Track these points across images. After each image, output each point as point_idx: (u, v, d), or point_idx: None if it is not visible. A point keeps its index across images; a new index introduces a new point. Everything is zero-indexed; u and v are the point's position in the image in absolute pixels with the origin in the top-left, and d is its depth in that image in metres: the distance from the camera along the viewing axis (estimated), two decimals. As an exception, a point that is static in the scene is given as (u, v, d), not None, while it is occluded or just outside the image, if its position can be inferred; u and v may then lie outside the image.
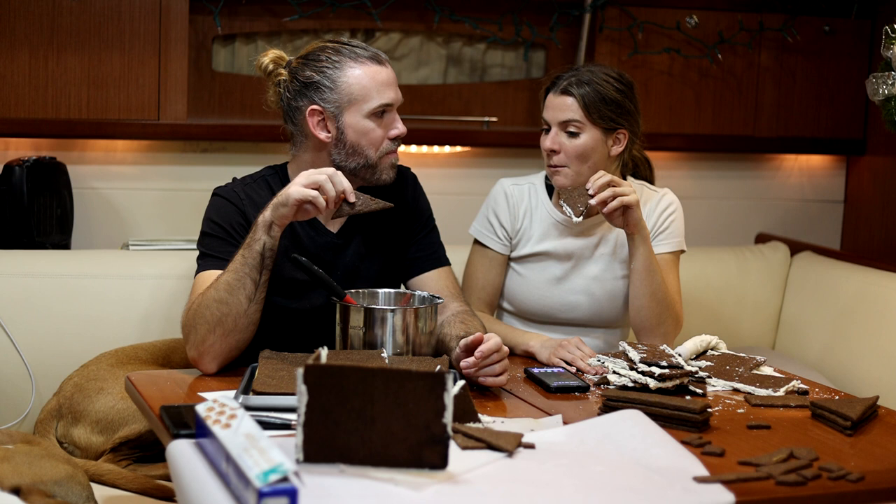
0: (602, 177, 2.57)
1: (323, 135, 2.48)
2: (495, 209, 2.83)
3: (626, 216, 2.58)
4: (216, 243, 2.46)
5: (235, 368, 2.38)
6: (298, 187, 2.28)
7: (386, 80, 2.47)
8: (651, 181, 2.94)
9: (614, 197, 2.55)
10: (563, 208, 2.63)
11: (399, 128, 2.50)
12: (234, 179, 2.57)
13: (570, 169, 2.70)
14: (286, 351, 2.42)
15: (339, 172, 2.32)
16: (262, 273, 2.31)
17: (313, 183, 2.28)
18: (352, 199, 2.32)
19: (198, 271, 2.46)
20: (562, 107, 2.69)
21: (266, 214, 2.32)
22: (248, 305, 2.30)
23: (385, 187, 2.54)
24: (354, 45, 2.49)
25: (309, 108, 2.47)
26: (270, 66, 2.53)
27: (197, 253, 2.50)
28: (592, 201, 2.56)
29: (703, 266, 3.59)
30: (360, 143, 2.47)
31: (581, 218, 2.60)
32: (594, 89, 2.67)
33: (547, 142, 2.71)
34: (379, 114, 2.46)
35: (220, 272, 2.37)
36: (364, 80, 2.45)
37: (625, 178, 2.84)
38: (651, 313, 2.66)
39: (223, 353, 2.33)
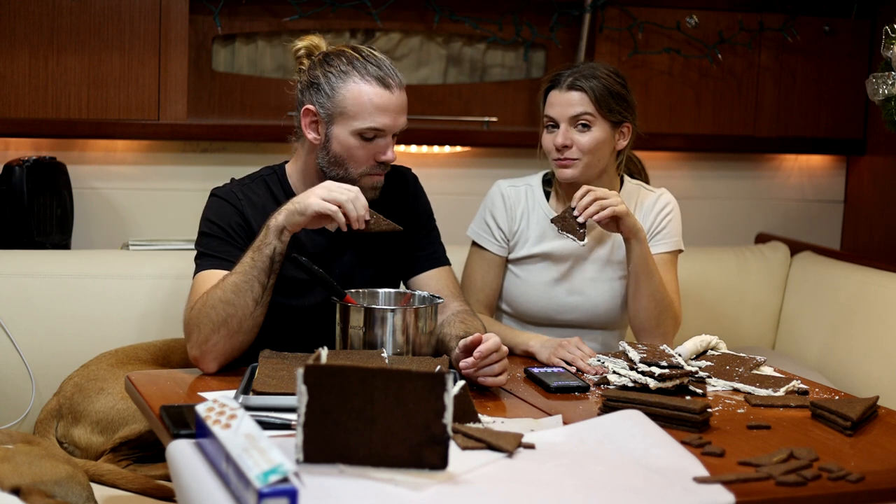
0: (585, 195, 2.55)
1: (311, 135, 2.48)
2: (492, 211, 2.83)
3: (620, 226, 2.58)
4: (215, 243, 2.46)
5: (235, 368, 2.38)
6: (319, 200, 2.27)
7: (384, 105, 2.42)
8: (644, 178, 2.94)
9: (602, 209, 2.54)
10: (565, 236, 2.59)
11: (387, 155, 2.45)
12: (232, 180, 2.57)
13: (581, 161, 2.69)
14: (286, 350, 2.42)
15: (361, 194, 2.31)
16: (270, 277, 2.31)
17: (335, 200, 2.28)
18: (366, 217, 2.31)
19: (197, 271, 2.45)
20: (571, 102, 2.68)
21: (279, 219, 2.30)
22: (254, 308, 2.30)
23: (386, 186, 2.54)
24: (371, 60, 2.44)
25: (305, 107, 2.47)
26: (301, 52, 2.53)
27: (195, 253, 2.50)
28: (580, 219, 2.55)
29: (703, 266, 3.59)
30: (342, 156, 2.45)
31: (586, 240, 2.58)
32: (601, 83, 2.68)
33: (559, 138, 2.69)
34: (368, 136, 2.43)
35: (219, 271, 2.37)
36: (361, 98, 2.41)
37: (622, 179, 2.84)
38: (650, 314, 2.66)
39: (225, 354, 2.33)
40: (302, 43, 2.53)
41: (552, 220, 2.61)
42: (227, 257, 2.40)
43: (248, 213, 2.48)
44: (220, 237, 2.46)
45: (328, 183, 2.31)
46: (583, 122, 2.68)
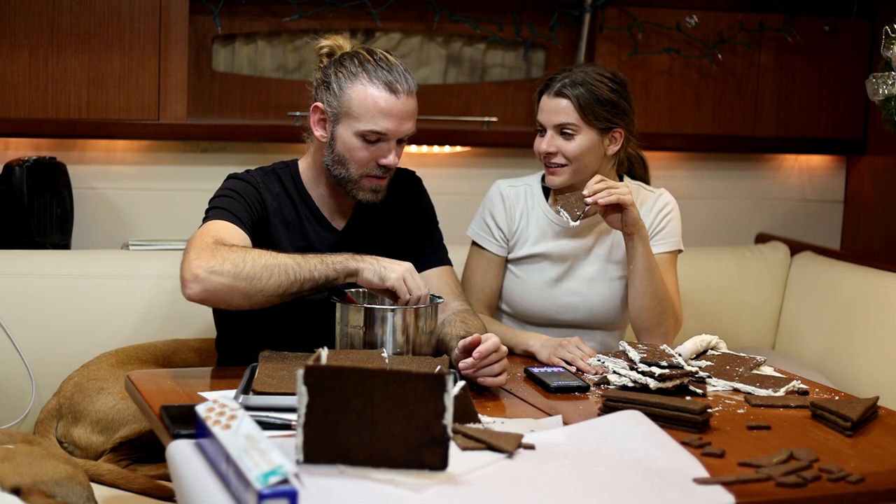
0: (600, 181, 2.58)
1: (318, 133, 2.50)
2: (492, 211, 2.83)
3: (623, 216, 2.59)
4: (232, 202, 2.44)
5: (234, 367, 2.38)
6: (401, 279, 2.30)
7: (388, 110, 2.43)
8: (646, 179, 2.94)
9: (610, 195, 2.55)
10: (560, 213, 2.62)
11: (389, 159, 2.47)
12: (248, 171, 2.57)
13: (567, 169, 2.70)
14: (288, 344, 2.43)
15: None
16: (309, 291, 2.30)
17: (412, 287, 2.31)
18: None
19: (210, 219, 2.40)
20: (556, 109, 2.69)
21: (359, 266, 2.31)
22: (275, 296, 2.27)
23: (391, 188, 2.55)
24: (382, 64, 2.45)
25: (314, 104, 2.50)
26: (324, 50, 2.53)
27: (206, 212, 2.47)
28: (588, 199, 2.55)
29: (703, 266, 3.59)
30: (344, 155, 2.47)
31: (578, 222, 2.60)
32: (588, 90, 2.67)
33: (543, 145, 2.71)
34: (371, 139, 2.44)
35: (233, 226, 2.36)
36: (366, 100, 2.43)
37: (621, 178, 2.84)
38: (651, 313, 2.66)
39: (215, 296, 2.26)
40: (326, 42, 2.54)
41: (557, 197, 2.61)
42: (242, 219, 2.39)
43: (265, 196, 2.50)
44: (238, 200, 2.45)
45: (411, 271, 2.33)
46: (567, 131, 2.68)
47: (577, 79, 2.69)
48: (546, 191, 2.84)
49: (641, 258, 2.63)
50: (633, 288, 2.67)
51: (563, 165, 2.70)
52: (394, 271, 2.31)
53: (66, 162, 3.26)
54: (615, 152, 2.75)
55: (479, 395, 2.25)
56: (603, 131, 2.70)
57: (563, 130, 2.69)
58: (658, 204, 2.80)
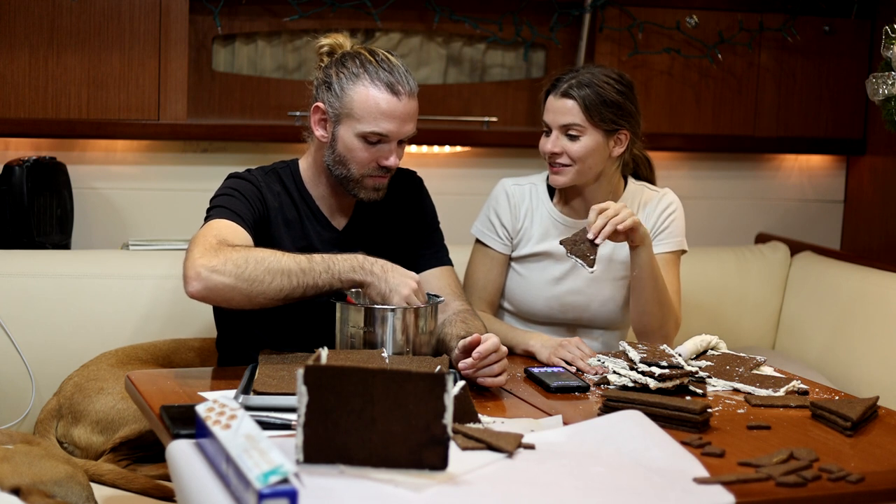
0: (597, 218, 2.48)
1: (319, 133, 2.50)
2: (496, 209, 2.84)
3: (631, 236, 2.55)
4: (234, 202, 2.43)
5: (234, 367, 2.38)
6: (403, 298, 2.29)
7: (390, 112, 2.43)
8: (651, 180, 2.94)
9: (615, 225, 2.47)
10: (575, 262, 2.52)
11: (390, 161, 2.47)
12: (249, 170, 2.57)
13: (571, 169, 2.70)
14: (287, 344, 2.43)
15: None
16: (311, 296, 2.30)
17: (414, 304, 2.30)
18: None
19: (212, 217, 2.39)
20: (562, 110, 2.68)
21: (367, 281, 2.31)
22: (278, 298, 2.27)
23: (392, 189, 2.55)
24: (384, 65, 2.44)
25: (315, 104, 2.49)
26: (324, 49, 2.53)
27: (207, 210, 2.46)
28: (598, 240, 2.47)
29: (703, 266, 3.59)
30: (345, 156, 2.47)
31: (596, 267, 2.50)
32: (595, 91, 2.67)
33: (548, 145, 2.70)
34: (372, 140, 2.45)
35: (236, 225, 2.36)
36: (368, 102, 2.42)
37: (625, 179, 2.84)
38: (654, 318, 2.66)
39: (216, 294, 2.25)
40: (326, 40, 2.53)
41: (561, 242, 2.54)
42: (244, 217, 2.39)
43: (266, 195, 2.50)
44: (240, 200, 2.44)
45: (418, 288, 2.33)
46: (572, 132, 2.67)
47: (583, 80, 2.68)
48: (551, 190, 2.84)
49: (646, 266, 2.62)
50: (637, 295, 2.66)
51: (567, 165, 2.70)
52: (398, 293, 2.30)
53: (66, 162, 3.26)
54: (620, 154, 2.75)
55: (479, 395, 2.25)
56: (608, 133, 2.70)
57: (568, 131, 2.68)
58: (661, 204, 2.80)
